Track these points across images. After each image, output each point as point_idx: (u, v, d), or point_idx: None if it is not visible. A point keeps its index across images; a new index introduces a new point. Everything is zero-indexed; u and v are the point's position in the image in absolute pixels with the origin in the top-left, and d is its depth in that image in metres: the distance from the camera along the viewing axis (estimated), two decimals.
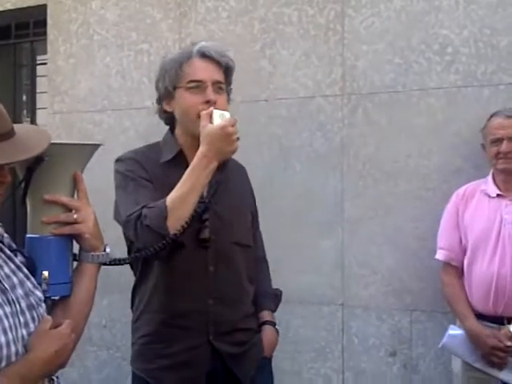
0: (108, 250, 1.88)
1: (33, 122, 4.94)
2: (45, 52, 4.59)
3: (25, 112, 5.11)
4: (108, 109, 4.30)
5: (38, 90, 4.92)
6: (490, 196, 3.09)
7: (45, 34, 4.54)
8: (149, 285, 2.42)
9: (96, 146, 1.88)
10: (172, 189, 2.29)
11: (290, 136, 3.76)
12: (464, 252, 3.10)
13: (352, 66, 3.65)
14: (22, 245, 1.82)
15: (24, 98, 5.13)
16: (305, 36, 3.76)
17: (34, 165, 1.70)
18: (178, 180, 2.31)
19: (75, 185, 1.82)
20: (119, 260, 2.03)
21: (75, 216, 1.79)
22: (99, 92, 4.33)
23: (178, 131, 2.47)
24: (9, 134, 1.56)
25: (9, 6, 4.67)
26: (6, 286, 1.62)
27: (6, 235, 1.77)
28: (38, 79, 4.93)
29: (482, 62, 3.40)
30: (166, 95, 2.41)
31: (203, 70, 2.37)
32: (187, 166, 2.36)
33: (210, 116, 2.26)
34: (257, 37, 3.87)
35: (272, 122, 3.79)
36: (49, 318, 1.69)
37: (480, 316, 3.03)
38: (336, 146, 3.68)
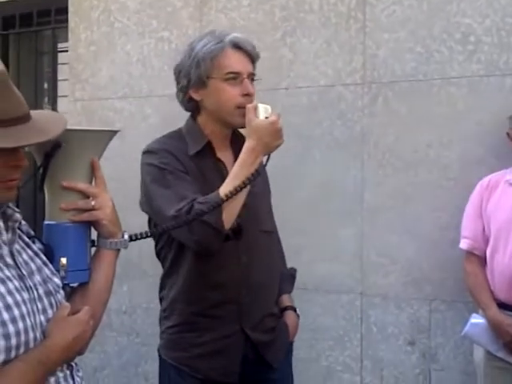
0: (126, 236, 1.88)
1: (54, 109, 4.97)
2: (66, 39, 4.61)
3: (46, 99, 5.14)
4: (129, 96, 4.32)
5: (59, 78, 4.95)
6: None
7: (66, 21, 4.56)
8: (181, 275, 2.41)
9: (113, 133, 1.88)
10: (205, 181, 2.33)
11: (310, 125, 3.75)
12: (487, 241, 3.10)
13: (373, 55, 3.64)
14: (42, 232, 1.84)
15: (45, 85, 5.16)
16: (326, 24, 3.74)
17: (52, 151, 1.70)
18: (208, 172, 2.36)
19: (93, 171, 1.82)
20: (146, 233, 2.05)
21: (93, 203, 1.79)
22: (120, 79, 4.35)
23: (203, 120, 2.45)
24: (25, 118, 1.57)
25: None
26: (24, 272, 1.64)
27: (23, 222, 1.77)
28: (59, 67, 4.96)
29: (505, 51, 3.37)
30: (197, 83, 2.38)
31: (240, 62, 2.38)
32: (215, 157, 2.42)
33: (255, 109, 2.28)
34: (278, 25, 3.86)
35: (292, 110, 3.78)
36: (67, 304, 1.70)
37: (502, 305, 3.03)
38: (356, 135, 3.67)
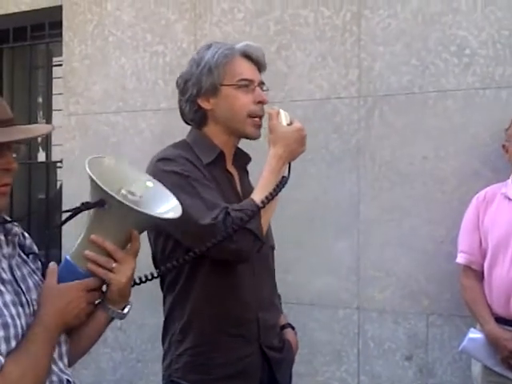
0: (126, 310, 1.84)
1: (48, 123, 4.95)
2: (60, 53, 4.60)
3: (41, 113, 5.13)
4: (123, 110, 4.30)
5: (53, 92, 4.93)
6: (510, 199, 3.06)
7: (60, 35, 4.55)
8: (197, 292, 2.30)
9: (165, 220, 1.81)
10: (221, 191, 2.28)
11: None
12: (484, 256, 3.08)
13: (368, 68, 3.63)
14: (35, 245, 1.81)
15: (40, 99, 5.15)
16: (321, 37, 3.74)
17: (91, 204, 1.65)
18: (222, 182, 2.31)
19: (130, 240, 1.75)
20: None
21: (114, 265, 1.73)
22: (114, 93, 4.33)
23: (211, 129, 2.38)
24: (9, 122, 1.58)
25: (24, 8, 4.69)
26: (23, 287, 1.62)
27: (27, 236, 1.76)
28: (53, 81, 4.94)
29: (501, 63, 3.36)
30: (209, 91, 2.32)
31: (251, 70, 2.36)
32: (225, 168, 2.38)
33: (277, 115, 2.26)
34: (272, 38, 3.86)
35: None
36: (54, 267, 1.69)
37: (500, 320, 3.00)
38: (352, 148, 3.66)
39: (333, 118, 3.70)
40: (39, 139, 5.11)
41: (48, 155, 4.96)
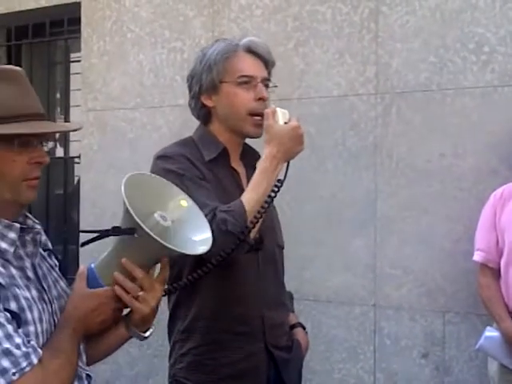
0: (148, 334, 1.83)
1: (66, 119, 4.98)
2: (79, 50, 4.62)
3: (59, 109, 5.15)
4: (141, 106, 4.32)
5: (71, 88, 4.95)
6: None
7: (79, 31, 4.57)
8: (200, 291, 2.28)
9: (188, 256, 1.80)
10: (222, 188, 2.26)
11: (322, 135, 3.73)
12: (501, 254, 3.06)
13: (386, 65, 3.62)
14: (53, 241, 1.82)
15: (58, 95, 5.17)
16: (339, 34, 3.73)
17: (121, 231, 1.64)
18: (225, 179, 2.29)
19: (160, 267, 1.74)
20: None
21: (140, 293, 1.71)
22: (132, 90, 4.35)
23: (215, 127, 2.37)
24: (44, 116, 1.64)
25: (43, 4, 4.71)
26: (45, 286, 1.64)
27: (42, 232, 1.77)
28: (71, 77, 4.97)
29: None
30: (209, 89, 2.31)
31: (253, 66, 2.32)
32: (230, 165, 2.36)
33: (273, 114, 2.22)
34: (290, 35, 3.85)
35: (305, 120, 3.73)
36: (83, 271, 1.69)
37: None
38: (369, 145, 3.65)
39: (350, 114, 3.70)
40: (57, 135, 5.14)
41: (66, 151, 4.98)
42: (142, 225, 1.58)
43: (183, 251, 1.66)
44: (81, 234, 1.76)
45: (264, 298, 2.34)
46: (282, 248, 2.51)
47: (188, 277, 2.15)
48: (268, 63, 2.38)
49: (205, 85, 2.31)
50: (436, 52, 3.50)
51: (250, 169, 2.39)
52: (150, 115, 4.27)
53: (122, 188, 1.61)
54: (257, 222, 2.14)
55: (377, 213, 3.63)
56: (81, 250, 4.29)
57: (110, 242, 1.71)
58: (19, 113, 1.57)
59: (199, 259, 2.12)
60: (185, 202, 1.79)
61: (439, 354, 3.50)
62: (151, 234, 1.58)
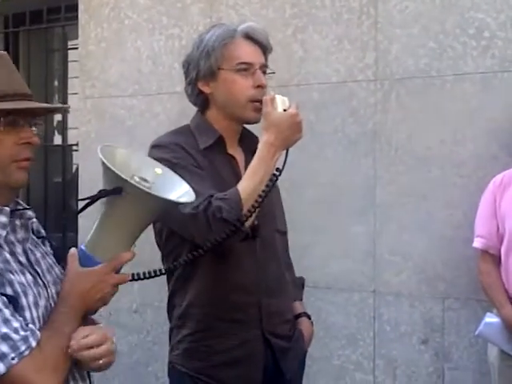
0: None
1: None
2: (76, 36, 4.60)
3: (56, 97, 5.14)
4: (139, 94, 4.30)
5: (69, 75, 4.94)
6: None
7: (76, 18, 4.55)
8: (197, 277, 2.29)
9: (176, 204, 1.79)
10: (218, 176, 2.25)
11: (321, 122, 3.72)
12: (501, 240, 3.06)
13: (385, 51, 3.60)
14: (52, 229, 1.81)
15: (56, 82, 5.16)
16: (337, 20, 3.71)
17: (109, 191, 1.63)
18: (221, 167, 2.28)
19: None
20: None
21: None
22: (130, 77, 4.33)
23: (213, 114, 2.36)
24: (30, 96, 1.63)
25: None
26: (38, 270, 1.64)
27: (35, 220, 1.76)
28: (69, 64, 4.95)
29: None
30: (207, 75, 2.29)
31: (251, 53, 2.31)
32: (226, 153, 2.35)
33: (272, 101, 2.20)
34: (288, 21, 3.83)
35: (304, 107, 3.70)
36: (74, 251, 1.68)
37: None
38: (368, 131, 3.64)
39: (349, 101, 3.68)
40: (55, 122, 5.12)
41: (64, 138, 4.97)
42: (129, 179, 1.58)
43: (169, 198, 1.66)
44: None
45: (261, 286, 2.33)
46: (284, 233, 2.50)
47: (180, 260, 2.14)
48: (266, 49, 2.37)
49: (202, 71, 2.29)
50: (435, 38, 3.48)
51: (249, 154, 2.38)
52: (148, 102, 4.26)
53: (100, 154, 1.60)
54: (254, 212, 2.13)
55: (376, 199, 3.62)
56: (79, 237, 4.29)
57: None
58: (5, 93, 1.56)
59: (196, 245, 2.14)
60: (159, 169, 1.78)
61: (439, 340, 3.50)
62: (138, 185, 1.59)
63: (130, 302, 4.19)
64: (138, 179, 1.66)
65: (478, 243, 3.16)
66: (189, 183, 1.96)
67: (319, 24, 3.75)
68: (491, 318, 3.08)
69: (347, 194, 3.68)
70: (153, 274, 1.99)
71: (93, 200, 1.65)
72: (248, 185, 2.15)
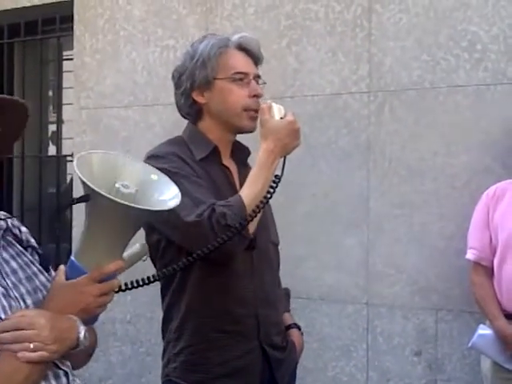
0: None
1: (59, 117, 4.97)
2: (71, 47, 4.61)
3: (51, 108, 5.14)
4: (134, 105, 4.31)
5: (64, 86, 4.94)
6: None
7: (71, 29, 4.56)
8: (193, 290, 2.27)
9: (152, 212, 1.69)
10: (214, 186, 2.25)
11: (315, 133, 3.73)
12: (494, 252, 3.07)
13: (379, 63, 3.62)
14: (46, 239, 1.81)
15: (50, 93, 5.16)
16: (331, 32, 3.73)
17: (76, 200, 1.60)
18: (216, 177, 2.27)
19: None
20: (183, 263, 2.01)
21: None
22: (125, 88, 4.34)
23: (206, 125, 2.35)
24: None
25: (36, 2, 4.70)
26: (9, 282, 1.60)
27: (25, 230, 1.76)
28: (64, 75, 4.95)
29: None
30: (202, 85, 2.29)
31: (245, 63, 2.32)
32: (221, 162, 2.34)
33: (269, 109, 2.22)
34: (283, 33, 3.85)
35: (298, 119, 3.72)
36: (62, 267, 1.66)
37: (510, 316, 3.00)
38: (362, 143, 3.65)
39: (343, 113, 3.70)
40: (49, 133, 5.12)
41: (58, 149, 4.97)
42: (91, 185, 1.53)
43: (133, 205, 1.57)
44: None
45: (258, 297, 2.32)
46: (277, 245, 2.50)
47: (176, 264, 2.08)
48: (258, 60, 2.38)
49: (198, 81, 2.29)
50: (429, 50, 3.51)
51: (241, 165, 2.40)
52: (142, 113, 4.26)
53: (75, 161, 1.58)
54: (255, 216, 2.13)
55: (370, 211, 3.63)
56: (73, 247, 4.28)
57: None
58: None
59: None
60: (155, 176, 1.73)
61: (432, 352, 3.51)
62: (102, 192, 1.53)
63: (123, 313, 4.19)
64: (118, 186, 1.61)
65: (470, 255, 3.16)
66: (190, 192, 1.96)
67: (313, 36, 3.77)
68: (484, 330, 3.08)
69: (341, 205, 3.69)
70: (146, 282, 1.96)
71: (63, 207, 1.64)
72: (250, 192, 2.15)
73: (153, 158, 2.23)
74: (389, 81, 3.60)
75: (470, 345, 3.12)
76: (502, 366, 3.02)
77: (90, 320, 1.71)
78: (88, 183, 1.53)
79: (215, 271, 2.22)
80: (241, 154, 2.43)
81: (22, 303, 1.60)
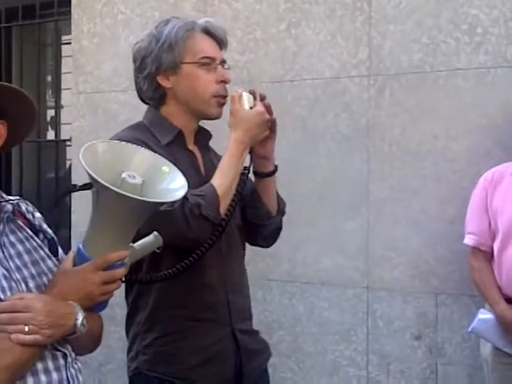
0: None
1: (57, 102, 4.96)
2: (69, 32, 4.58)
3: (49, 92, 5.12)
4: (132, 88, 4.25)
5: (62, 70, 4.93)
6: None
7: (69, 13, 4.53)
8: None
9: (151, 203, 1.68)
10: (182, 171, 2.22)
11: (314, 117, 3.72)
12: (493, 237, 3.06)
13: (379, 46, 3.60)
14: (48, 221, 1.82)
15: (49, 78, 5.14)
16: (331, 15, 3.71)
17: (78, 187, 1.64)
18: (182, 162, 2.16)
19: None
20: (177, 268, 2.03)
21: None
22: (123, 72, 4.30)
23: (170, 109, 2.30)
24: None
25: None
26: (12, 265, 1.62)
27: (38, 215, 1.78)
28: (62, 59, 4.94)
29: None
30: (168, 69, 2.24)
31: (212, 47, 2.29)
32: (186, 147, 2.31)
33: (240, 98, 2.21)
34: (282, 16, 3.82)
35: (297, 102, 3.75)
36: (71, 254, 1.69)
37: (510, 301, 3.00)
38: (362, 127, 3.64)
39: (342, 97, 3.68)
40: (48, 117, 5.11)
41: (57, 134, 4.96)
42: (92, 173, 1.54)
43: (130, 195, 1.58)
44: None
45: (228, 283, 2.31)
46: (241, 227, 2.42)
47: (170, 270, 2.11)
48: (223, 44, 2.35)
49: (164, 64, 2.24)
50: (429, 33, 3.48)
51: (204, 149, 2.38)
52: None
53: (81, 152, 1.58)
54: (231, 214, 2.15)
55: (369, 195, 3.62)
56: (73, 233, 4.28)
57: None
58: None
59: (178, 249, 2.13)
60: (166, 167, 1.76)
61: (432, 336, 3.51)
62: (102, 182, 1.54)
63: (123, 297, 4.16)
64: (124, 176, 1.63)
65: (469, 240, 3.15)
66: None
67: (313, 19, 3.75)
68: (484, 315, 3.07)
69: (340, 189, 3.68)
70: (148, 279, 2.02)
71: (64, 195, 1.65)
72: (221, 182, 2.15)
73: None
74: (389, 64, 3.58)
75: (470, 329, 3.12)
76: (503, 350, 3.02)
77: (97, 307, 1.73)
78: (92, 174, 1.54)
79: (180, 259, 2.14)
80: (202, 138, 2.40)
81: (23, 286, 1.62)
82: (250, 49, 3.89)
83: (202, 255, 2.09)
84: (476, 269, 3.14)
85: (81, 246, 1.70)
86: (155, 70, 2.26)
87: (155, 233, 1.83)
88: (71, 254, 1.70)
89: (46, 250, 1.75)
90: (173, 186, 1.73)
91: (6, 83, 1.70)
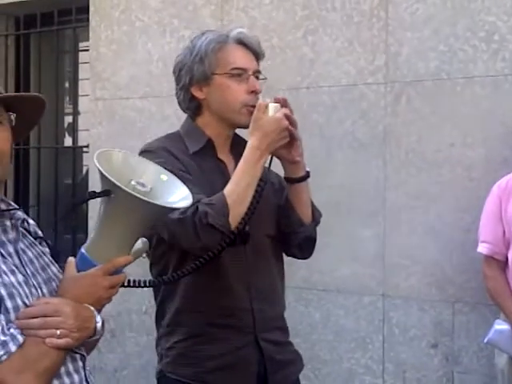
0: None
1: (75, 108, 4.98)
2: (87, 38, 4.61)
3: (67, 99, 5.15)
4: (149, 96, 4.30)
5: (80, 77, 4.95)
6: None
7: (87, 20, 4.56)
8: (186, 284, 2.27)
9: (167, 209, 1.74)
10: (206, 181, 2.25)
11: (331, 124, 3.72)
12: (508, 245, 3.03)
13: (396, 53, 3.60)
14: (62, 230, 1.82)
15: (66, 84, 5.17)
16: (348, 22, 3.71)
17: (97, 194, 1.64)
18: (209, 171, 2.27)
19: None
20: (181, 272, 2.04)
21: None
22: (141, 79, 4.34)
23: (204, 120, 2.36)
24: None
25: None
26: (28, 271, 1.63)
27: (32, 222, 1.79)
28: (80, 66, 4.96)
29: None
30: (201, 80, 2.29)
31: (245, 58, 2.31)
32: (216, 156, 2.35)
33: (265, 108, 2.20)
34: (299, 23, 3.83)
35: (314, 109, 3.76)
36: (72, 259, 1.69)
37: None
38: (378, 134, 3.63)
39: (359, 104, 3.68)
40: (65, 124, 5.14)
41: (74, 140, 4.98)
42: (115, 181, 1.56)
43: (156, 202, 1.63)
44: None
45: (252, 291, 2.32)
46: (274, 238, 2.44)
47: (175, 273, 2.15)
48: (258, 55, 2.37)
49: (196, 76, 2.30)
50: (446, 40, 3.48)
51: (239, 157, 2.36)
52: (158, 104, 4.26)
53: (95, 157, 1.60)
54: (246, 223, 2.16)
55: (386, 202, 3.62)
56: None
57: None
58: None
59: (185, 253, 2.18)
60: (165, 176, 1.78)
61: (448, 344, 3.49)
62: (125, 188, 1.57)
63: (139, 304, 4.19)
64: (134, 183, 1.65)
65: (483, 249, 3.12)
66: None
67: (330, 26, 3.75)
68: (501, 325, 3.03)
69: (357, 196, 3.67)
70: (151, 283, 2.04)
71: (82, 201, 1.66)
72: (234, 189, 2.16)
73: (144, 153, 2.25)
74: (405, 71, 3.57)
75: (486, 340, 3.07)
76: None
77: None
78: (109, 177, 1.57)
79: (207, 266, 2.18)
80: (240, 147, 2.39)
81: (40, 291, 1.63)
82: (267, 56, 3.81)
83: (205, 262, 2.11)
84: (490, 278, 3.11)
85: (84, 251, 1.71)
86: (189, 82, 2.32)
87: (143, 239, 1.85)
88: (72, 259, 1.70)
89: (49, 256, 1.77)
90: (176, 196, 1.75)
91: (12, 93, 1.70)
